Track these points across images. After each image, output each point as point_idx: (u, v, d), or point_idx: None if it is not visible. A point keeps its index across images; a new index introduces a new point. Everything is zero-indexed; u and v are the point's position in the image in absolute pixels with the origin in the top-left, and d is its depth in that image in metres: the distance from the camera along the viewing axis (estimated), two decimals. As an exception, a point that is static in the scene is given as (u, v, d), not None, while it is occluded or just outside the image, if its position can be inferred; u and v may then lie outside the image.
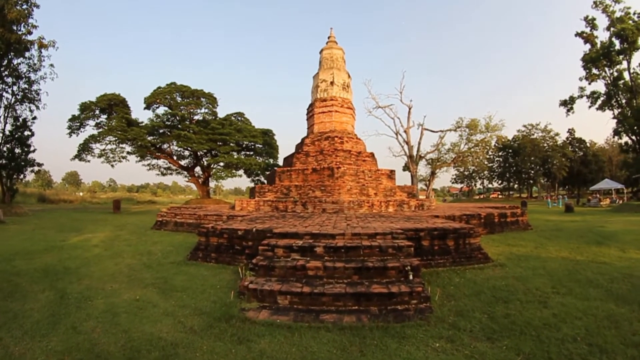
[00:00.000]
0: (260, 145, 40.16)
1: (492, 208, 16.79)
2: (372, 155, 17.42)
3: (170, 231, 13.58)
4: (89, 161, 33.55)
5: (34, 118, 24.94)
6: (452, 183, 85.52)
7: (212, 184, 45.74)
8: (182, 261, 7.84)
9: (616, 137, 34.76)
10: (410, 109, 40.85)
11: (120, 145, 33.61)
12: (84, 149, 32.67)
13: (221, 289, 5.60)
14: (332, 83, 18.51)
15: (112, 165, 34.14)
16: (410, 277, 4.99)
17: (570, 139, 67.62)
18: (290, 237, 6.26)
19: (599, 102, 33.01)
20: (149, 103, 35.86)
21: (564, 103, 35.33)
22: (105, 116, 33.11)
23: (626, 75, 30.54)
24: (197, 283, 6.05)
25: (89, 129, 33.27)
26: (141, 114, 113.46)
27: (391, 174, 16.90)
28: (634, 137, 31.08)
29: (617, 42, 29.51)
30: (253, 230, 7.08)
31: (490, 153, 54.83)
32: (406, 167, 42.36)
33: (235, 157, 35.90)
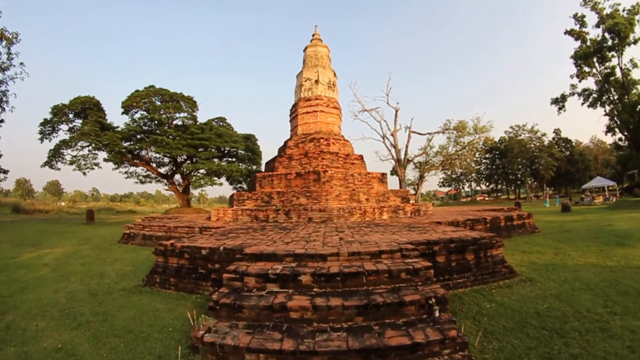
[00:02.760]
0: (242, 151, 38.45)
1: (492, 211, 15.72)
2: (361, 157, 16.01)
3: (138, 245, 12.21)
4: (59, 169, 31.34)
5: (1, 121, 23.05)
6: (440, 187, 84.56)
7: (195, 192, 43.84)
8: (137, 287, 6.41)
9: (609, 134, 34.18)
10: (397, 111, 39.74)
11: (94, 152, 31.62)
12: (55, 155, 30.45)
13: (173, 333, 4.17)
14: (316, 81, 17.10)
15: (84, 173, 31.94)
16: (437, 313, 3.51)
17: (556, 139, 67.69)
18: (266, 259, 4.72)
19: (591, 99, 32.43)
20: (127, 107, 33.74)
21: (555, 101, 34.77)
22: (80, 121, 31.03)
23: (618, 71, 30.11)
24: (144, 322, 4.62)
25: (63, 135, 31.21)
26: (120, 120, 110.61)
27: (383, 178, 15.51)
28: (626, 134, 30.49)
29: (609, 38, 29.02)
30: (220, 249, 5.53)
31: (477, 155, 54.01)
32: (394, 172, 41.05)
33: (216, 163, 34.09)
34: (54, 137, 30.86)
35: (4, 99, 23.26)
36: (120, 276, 7.51)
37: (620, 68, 29.92)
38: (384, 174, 15.68)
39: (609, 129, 32.84)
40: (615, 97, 30.95)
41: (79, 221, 26.07)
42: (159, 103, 34.58)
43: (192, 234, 10.26)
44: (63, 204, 59.33)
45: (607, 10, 30.15)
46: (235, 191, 35.18)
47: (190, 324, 4.12)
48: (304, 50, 18.38)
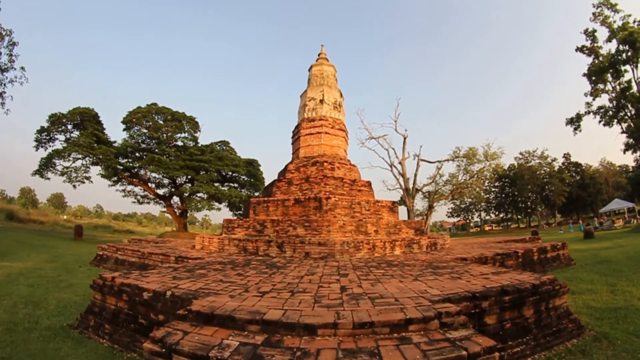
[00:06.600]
0: (243, 177, 37.09)
1: (513, 242, 14.33)
2: (369, 184, 14.28)
3: (109, 269, 10.96)
4: (49, 179, 30.05)
5: None
6: (448, 217, 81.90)
7: (199, 216, 42.53)
8: (66, 328, 4.94)
9: (629, 152, 32.46)
10: (405, 138, 38.47)
11: (86, 165, 30.46)
12: (47, 165, 29.24)
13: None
14: (321, 101, 15.68)
15: (74, 186, 30.56)
16: None
17: (566, 163, 65.77)
18: (219, 323, 2.99)
19: (607, 116, 31.58)
20: (127, 122, 32.86)
21: (570, 121, 33.73)
22: (78, 132, 30.18)
23: (634, 85, 29.27)
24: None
25: (59, 145, 30.12)
26: (122, 136, 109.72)
27: (393, 207, 13.74)
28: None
29: (622, 50, 28.45)
30: (166, 294, 3.84)
31: (487, 183, 52.07)
32: (402, 201, 39.13)
33: (215, 187, 32.62)
34: (50, 146, 29.97)
35: (1, 100, 22.66)
36: (59, 308, 6.14)
37: (636, 82, 28.71)
38: (394, 203, 13.96)
39: (628, 147, 31.24)
40: (633, 113, 29.67)
41: (68, 236, 24.90)
42: (160, 121, 33.83)
43: (168, 263, 8.61)
44: (65, 217, 58.16)
45: (618, 23, 29.46)
46: (234, 217, 33.51)
47: None
48: (309, 70, 17.15)
